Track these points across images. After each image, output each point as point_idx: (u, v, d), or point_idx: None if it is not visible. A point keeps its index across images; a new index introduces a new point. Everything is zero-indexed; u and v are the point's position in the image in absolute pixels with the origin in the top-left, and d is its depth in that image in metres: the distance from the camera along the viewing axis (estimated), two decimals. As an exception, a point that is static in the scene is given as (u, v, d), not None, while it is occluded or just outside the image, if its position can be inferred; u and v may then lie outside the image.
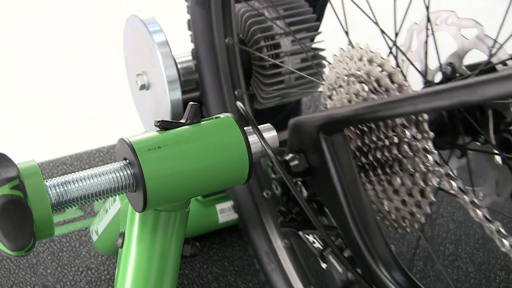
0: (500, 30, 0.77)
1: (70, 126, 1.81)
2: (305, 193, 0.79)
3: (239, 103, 0.77)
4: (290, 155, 0.77)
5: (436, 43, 0.81)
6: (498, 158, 0.81)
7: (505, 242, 0.67)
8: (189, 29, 1.18)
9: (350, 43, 0.82)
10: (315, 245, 0.77)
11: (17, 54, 2.09)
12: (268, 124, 0.76)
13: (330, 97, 0.81)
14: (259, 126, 0.75)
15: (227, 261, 1.30)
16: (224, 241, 1.34)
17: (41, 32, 2.19)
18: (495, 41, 0.76)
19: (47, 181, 0.66)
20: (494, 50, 0.76)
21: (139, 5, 2.27)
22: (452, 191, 0.69)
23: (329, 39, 1.18)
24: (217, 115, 0.73)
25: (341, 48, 0.80)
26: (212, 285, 1.25)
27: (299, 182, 0.79)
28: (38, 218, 0.63)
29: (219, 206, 1.29)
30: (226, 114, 0.73)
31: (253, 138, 0.73)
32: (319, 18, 1.30)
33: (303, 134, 0.76)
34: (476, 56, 0.82)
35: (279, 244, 1.15)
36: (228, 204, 1.29)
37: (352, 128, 0.78)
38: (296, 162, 0.76)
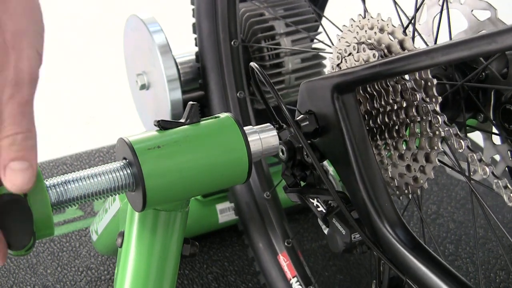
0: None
1: (70, 126, 1.81)
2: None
3: (253, 63, 0.78)
4: (301, 116, 0.78)
5: (450, 19, 0.82)
6: (495, 136, 0.84)
7: None
8: (194, 32, 1.19)
9: (366, 10, 0.83)
10: (318, 209, 0.78)
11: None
12: (268, 124, 0.77)
13: (339, 65, 0.82)
14: (259, 126, 0.76)
15: (227, 261, 1.30)
16: (224, 241, 1.34)
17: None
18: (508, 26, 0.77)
19: (46, 181, 0.66)
20: None
21: (139, 5, 2.27)
22: (460, 150, 0.72)
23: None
24: (216, 115, 0.73)
25: (352, 19, 0.82)
26: (212, 285, 1.24)
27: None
28: (38, 217, 0.63)
29: (219, 206, 1.29)
30: (225, 114, 0.73)
31: (252, 138, 0.74)
32: (319, 17, 1.30)
33: (315, 95, 0.77)
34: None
35: (260, 195, 1.16)
36: (228, 204, 1.29)
37: (361, 92, 0.79)
38: (306, 122, 0.78)
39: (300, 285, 1.10)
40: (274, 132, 0.75)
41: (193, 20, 1.18)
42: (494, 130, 0.83)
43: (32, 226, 0.62)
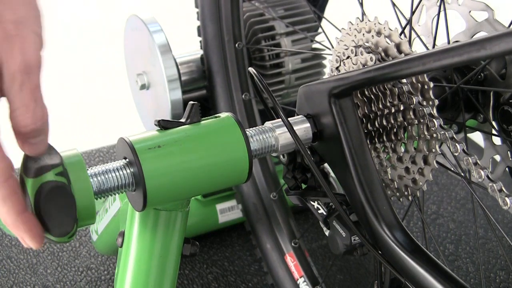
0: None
1: (70, 126, 1.81)
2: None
3: (251, 69, 0.78)
4: None
5: (447, 21, 0.82)
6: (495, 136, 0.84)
7: (508, 200, 0.69)
8: (199, 35, 1.19)
9: (363, 13, 0.83)
10: (319, 212, 0.79)
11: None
12: (301, 115, 0.78)
13: (338, 68, 0.83)
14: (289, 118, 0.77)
15: (227, 261, 1.30)
16: (224, 241, 1.34)
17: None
18: (506, 28, 0.77)
19: (89, 170, 0.66)
20: None
21: (140, 5, 2.27)
22: (456, 154, 0.72)
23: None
24: (216, 115, 0.73)
25: (350, 22, 0.82)
26: (212, 285, 1.25)
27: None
28: (81, 205, 0.63)
29: (219, 206, 1.29)
30: (226, 113, 0.73)
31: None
32: (319, 19, 1.30)
33: (313, 99, 0.78)
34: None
35: (267, 196, 1.16)
36: (228, 204, 1.29)
37: (359, 95, 0.79)
38: None
39: (307, 285, 1.11)
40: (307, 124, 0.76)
41: (198, 23, 1.18)
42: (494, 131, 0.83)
43: (75, 212, 0.63)
